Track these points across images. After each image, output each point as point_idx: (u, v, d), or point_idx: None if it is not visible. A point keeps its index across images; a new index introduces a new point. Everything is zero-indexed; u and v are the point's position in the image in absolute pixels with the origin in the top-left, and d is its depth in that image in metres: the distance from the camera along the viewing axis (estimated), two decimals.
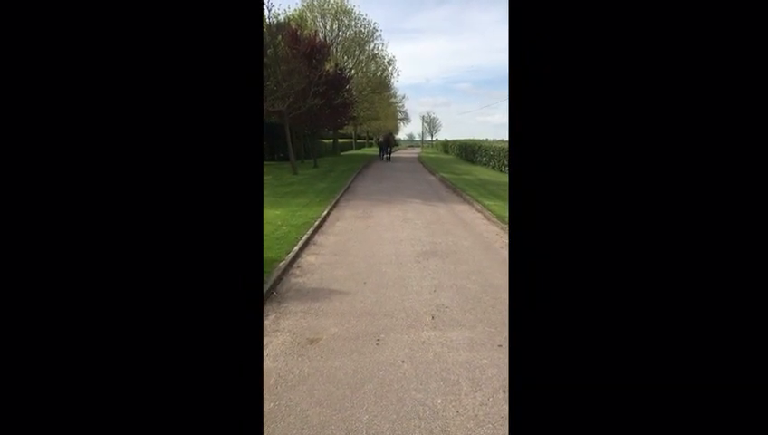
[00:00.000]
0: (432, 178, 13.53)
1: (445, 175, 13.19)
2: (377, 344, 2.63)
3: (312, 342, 2.66)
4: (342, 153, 28.38)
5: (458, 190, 9.75)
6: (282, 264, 4.07)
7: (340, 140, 28.54)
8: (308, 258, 4.51)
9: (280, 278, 3.80)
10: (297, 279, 3.84)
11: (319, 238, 5.39)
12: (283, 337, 2.72)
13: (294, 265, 4.24)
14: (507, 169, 13.86)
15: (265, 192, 9.14)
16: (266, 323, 2.94)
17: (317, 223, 6.00)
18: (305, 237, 5.14)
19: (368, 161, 20.34)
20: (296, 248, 4.64)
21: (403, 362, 2.43)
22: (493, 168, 15.81)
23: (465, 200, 8.55)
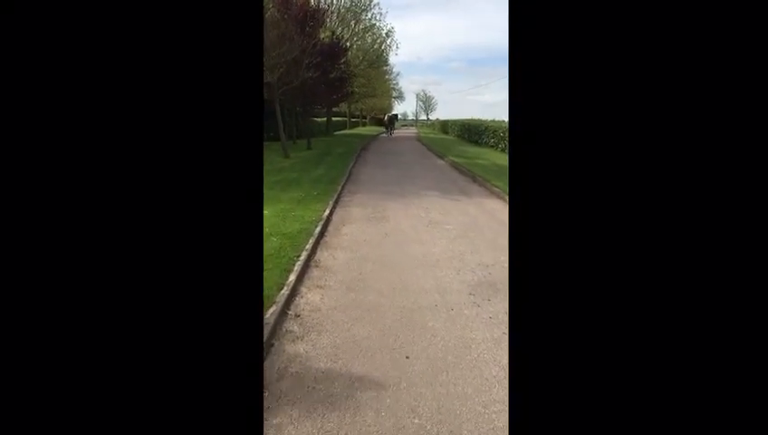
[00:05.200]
0: (441, 162, 12.02)
1: (455, 159, 11.66)
2: None
3: None
4: (336, 133, 26.59)
5: (479, 180, 8.30)
6: (271, 312, 2.61)
7: (333, 119, 26.70)
8: (309, 296, 3.05)
9: (270, 345, 2.36)
10: (296, 347, 2.39)
11: (322, 256, 3.92)
12: None
13: (290, 313, 2.78)
14: None
15: None
16: None
17: (318, 229, 4.51)
18: (304, 256, 3.66)
19: (366, 142, 18.69)
20: (292, 278, 3.17)
21: None
22: (502, 150, 14.30)
23: (492, 193, 7.11)
